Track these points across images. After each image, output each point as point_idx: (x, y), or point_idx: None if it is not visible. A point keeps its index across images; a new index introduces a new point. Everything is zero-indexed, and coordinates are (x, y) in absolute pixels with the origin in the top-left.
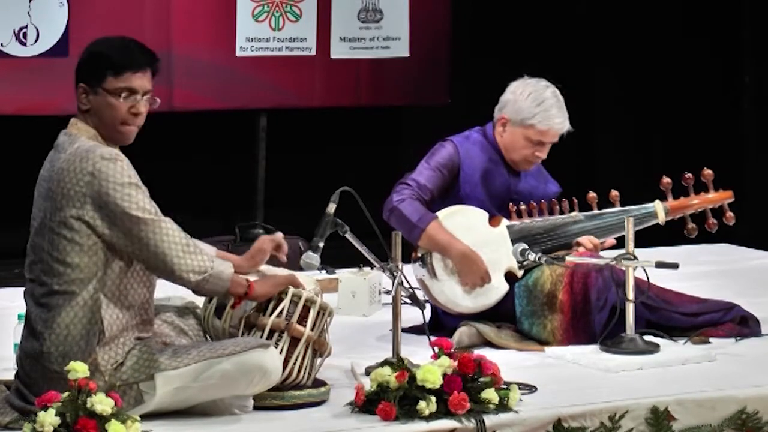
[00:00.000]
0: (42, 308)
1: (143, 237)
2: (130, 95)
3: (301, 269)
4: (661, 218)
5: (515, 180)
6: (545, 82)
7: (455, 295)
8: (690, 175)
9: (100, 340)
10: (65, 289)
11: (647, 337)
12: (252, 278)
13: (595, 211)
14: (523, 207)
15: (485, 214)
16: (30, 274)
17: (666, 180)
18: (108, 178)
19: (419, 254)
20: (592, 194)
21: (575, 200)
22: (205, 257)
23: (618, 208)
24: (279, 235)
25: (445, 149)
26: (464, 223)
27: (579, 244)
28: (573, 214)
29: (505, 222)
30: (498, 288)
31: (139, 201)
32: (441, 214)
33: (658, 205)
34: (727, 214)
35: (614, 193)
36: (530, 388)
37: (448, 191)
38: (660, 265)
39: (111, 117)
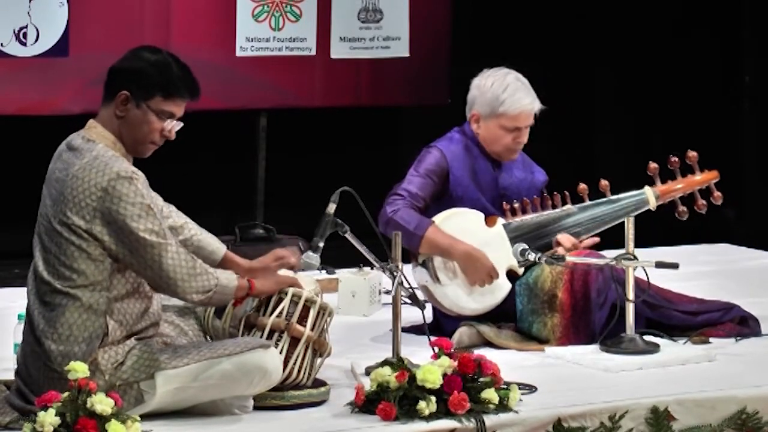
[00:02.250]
0: (45, 306)
1: (149, 258)
2: (169, 119)
3: (301, 269)
4: (652, 203)
5: (501, 174)
6: (505, 69)
7: (459, 298)
8: (676, 158)
9: (103, 342)
10: (68, 292)
11: (647, 337)
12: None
13: (588, 203)
14: (516, 204)
15: (481, 215)
16: (34, 272)
17: (653, 165)
18: (120, 197)
19: (420, 260)
20: (582, 186)
21: (567, 193)
22: (209, 275)
23: (609, 198)
24: (290, 255)
25: (432, 155)
26: (461, 226)
27: (558, 243)
28: (566, 207)
29: (500, 221)
30: (501, 287)
31: (148, 223)
32: (437, 219)
33: (648, 191)
34: (714, 194)
35: (604, 182)
36: (530, 388)
37: (441, 196)
38: (660, 265)
39: (144, 134)
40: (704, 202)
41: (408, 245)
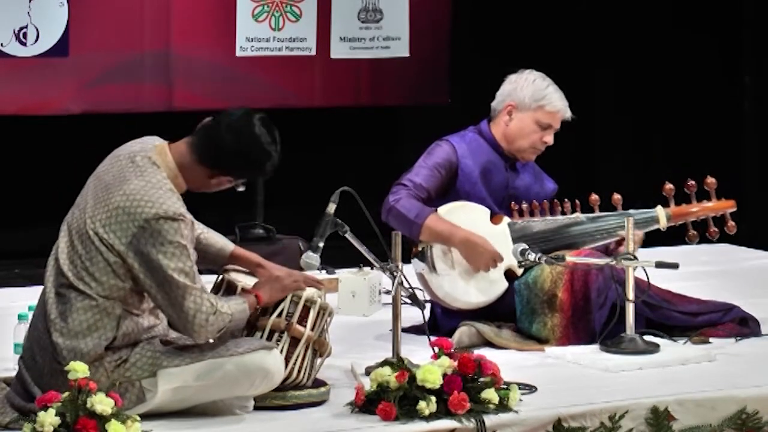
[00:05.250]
0: (60, 297)
1: (172, 297)
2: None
3: (301, 269)
4: (663, 224)
5: (513, 176)
6: (538, 72)
7: (455, 290)
8: (693, 182)
9: (111, 344)
10: (83, 290)
11: (647, 337)
12: (249, 280)
13: (598, 213)
14: (525, 206)
15: (487, 211)
16: (55, 260)
17: (669, 186)
18: (161, 232)
19: (419, 248)
20: (594, 196)
21: (578, 202)
22: (224, 316)
23: (620, 212)
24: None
25: (442, 149)
26: (466, 219)
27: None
28: (575, 215)
29: (506, 220)
30: (498, 285)
31: (179, 262)
32: (442, 209)
33: (660, 211)
34: (728, 223)
35: (617, 196)
36: (530, 388)
37: (447, 191)
38: (660, 265)
39: (212, 187)
40: (716, 229)
41: (408, 233)
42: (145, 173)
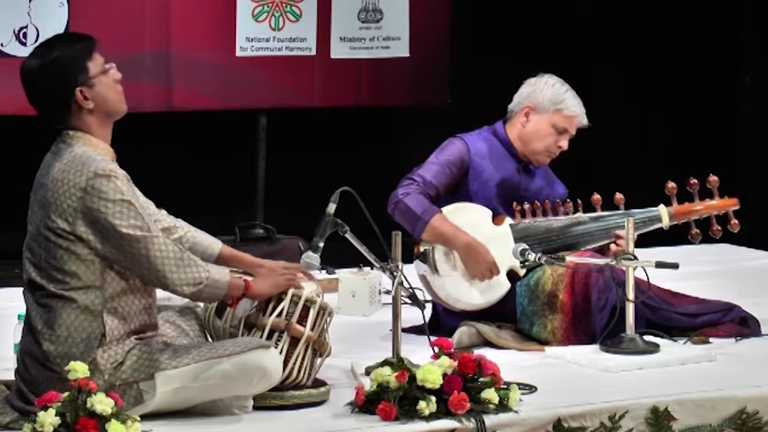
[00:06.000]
0: (42, 308)
1: (135, 253)
2: (110, 69)
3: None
4: (665, 223)
5: (526, 178)
6: (557, 77)
7: (457, 292)
8: (695, 181)
9: (101, 343)
10: (63, 294)
11: (647, 337)
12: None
13: (600, 213)
14: (527, 207)
15: (489, 212)
16: (27, 275)
17: (671, 185)
18: (100, 195)
19: (421, 249)
20: (596, 196)
21: (579, 202)
22: (200, 268)
23: (622, 211)
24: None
25: (455, 146)
26: (468, 221)
27: (618, 237)
28: (577, 215)
29: (508, 221)
30: (500, 286)
31: (130, 219)
32: (445, 210)
33: (662, 210)
34: (732, 221)
35: (619, 196)
36: (530, 388)
37: (457, 188)
38: (660, 265)
39: (114, 96)
40: (719, 228)
41: (412, 230)
42: (63, 154)
